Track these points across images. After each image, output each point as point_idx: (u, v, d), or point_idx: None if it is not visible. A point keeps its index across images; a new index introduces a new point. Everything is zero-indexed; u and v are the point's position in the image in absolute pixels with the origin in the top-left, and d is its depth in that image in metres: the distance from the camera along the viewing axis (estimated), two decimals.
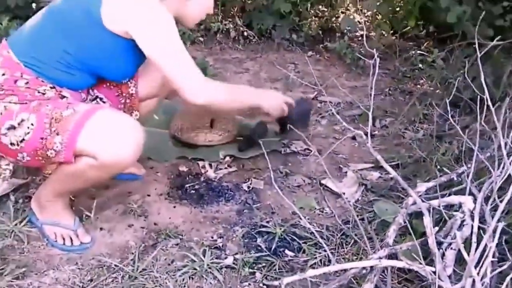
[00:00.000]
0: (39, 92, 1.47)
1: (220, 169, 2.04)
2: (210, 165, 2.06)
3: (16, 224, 1.63)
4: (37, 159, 1.45)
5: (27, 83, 1.46)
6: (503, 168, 1.45)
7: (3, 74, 1.46)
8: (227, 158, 2.09)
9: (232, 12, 3.50)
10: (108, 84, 1.70)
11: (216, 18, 3.39)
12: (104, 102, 1.70)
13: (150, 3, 1.47)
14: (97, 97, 1.69)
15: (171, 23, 1.49)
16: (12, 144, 1.44)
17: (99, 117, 1.43)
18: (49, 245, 1.59)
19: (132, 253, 1.56)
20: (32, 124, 1.43)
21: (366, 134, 2.36)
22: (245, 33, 3.35)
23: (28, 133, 1.43)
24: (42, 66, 1.47)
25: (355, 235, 1.65)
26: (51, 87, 1.49)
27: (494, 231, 1.18)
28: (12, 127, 1.43)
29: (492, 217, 1.24)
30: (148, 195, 1.86)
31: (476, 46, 1.69)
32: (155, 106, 1.92)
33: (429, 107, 2.46)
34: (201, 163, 2.07)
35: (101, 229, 1.67)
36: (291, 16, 3.43)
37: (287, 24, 3.40)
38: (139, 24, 1.45)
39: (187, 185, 1.93)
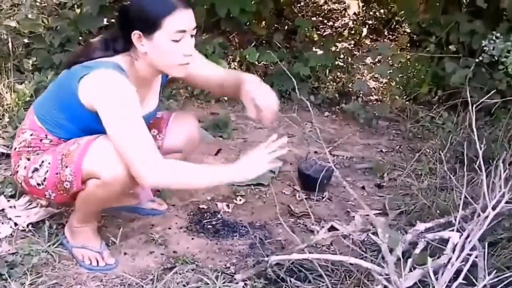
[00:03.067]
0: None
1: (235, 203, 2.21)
2: (228, 206, 2.23)
3: (49, 246, 1.81)
4: (60, 193, 1.67)
5: (51, 141, 1.72)
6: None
7: (31, 135, 1.73)
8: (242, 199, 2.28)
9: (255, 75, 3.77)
10: None
11: None
12: None
13: (112, 81, 1.57)
14: None
15: (130, 101, 1.56)
16: (38, 184, 1.68)
17: (99, 142, 1.60)
18: (77, 265, 1.76)
19: (152, 274, 1.71)
20: (49, 163, 1.65)
21: (376, 185, 2.55)
22: None
23: (47, 171, 1.66)
24: (58, 131, 1.70)
25: (357, 270, 1.77)
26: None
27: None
28: (36, 170, 1.68)
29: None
30: (169, 228, 2.03)
31: (470, 107, 1.85)
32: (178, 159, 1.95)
33: (436, 163, 2.61)
34: (219, 204, 2.24)
35: (125, 253, 1.84)
36: (310, 80, 3.68)
37: (306, 87, 3.64)
38: (99, 104, 1.56)
39: (205, 221, 2.10)
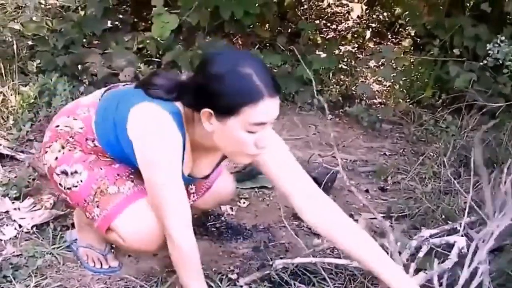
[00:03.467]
0: (100, 155, 1.59)
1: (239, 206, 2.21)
2: (231, 208, 2.23)
3: (54, 248, 1.81)
4: (74, 206, 1.67)
5: (94, 146, 1.58)
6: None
7: (81, 128, 1.57)
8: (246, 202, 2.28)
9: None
10: None
11: None
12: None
13: (158, 121, 1.40)
14: None
15: (169, 152, 1.41)
16: (60, 185, 1.61)
17: (138, 206, 1.52)
18: (82, 266, 1.76)
19: (156, 277, 1.71)
20: (81, 181, 1.56)
21: (380, 189, 2.55)
22: None
23: (76, 186, 1.57)
24: (105, 143, 1.55)
25: (361, 274, 1.77)
26: (111, 159, 1.59)
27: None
28: (65, 173, 1.58)
29: None
30: None
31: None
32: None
33: (440, 166, 2.60)
34: (222, 207, 2.24)
35: (129, 256, 1.84)
36: (314, 83, 3.68)
37: (309, 89, 3.64)
38: (137, 145, 1.43)
39: (208, 224, 2.09)
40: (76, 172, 1.57)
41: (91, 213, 1.57)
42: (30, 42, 3.34)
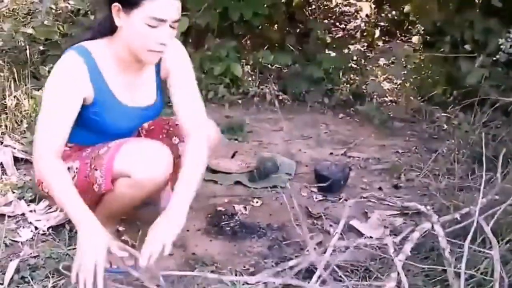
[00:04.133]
0: (80, 151, 1.72)
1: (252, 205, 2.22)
2: (245, 208, 2.23)
3: (70, 249, 1.83)
4: (87, 197, 1.60)
5: (70, 148, 1.70)
6: None
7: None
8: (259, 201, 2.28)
9: (268, 79, 3.78)
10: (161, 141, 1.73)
11: (253, 83, 3.67)
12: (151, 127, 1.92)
13: (61, 63, 1.56)
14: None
15: (61, 83, 1.54)
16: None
17: (131, 143, 1.62)
18: None
19: (172, 276, 1.72)
20: (76, 168, 1.66)
21: (393, 186, 2.54)
22: (280, 97, 3.61)
23: (74, 176, 1.64)
24: (75, 139, 1.67)
25: (377, 270, 1.77)
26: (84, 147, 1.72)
27: None
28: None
29: None
30: (187, 230, 2.03)
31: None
32: None
33: (453, 163, 2.59)
34: (236, 206, 2.24)
35: None
36: (324, 82, 3.68)
37: (319, 89, 3.64)
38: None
39: (222, 223, 2.10)
40: (69, 168, 1.65)
41: (96, 181, 1.61)
42: (41, 47, 3.37)
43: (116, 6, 1.53)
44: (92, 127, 1.68)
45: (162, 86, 1.80)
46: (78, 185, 1.61)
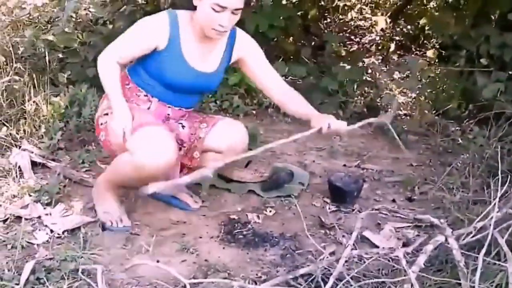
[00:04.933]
0: (136, 94, 2.07)
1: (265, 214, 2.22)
2: (258, 217, 2.24)
3: (85, 252, 1.85)
4: (107, 140, 2.01)
5: (130, 88, 2.07)
6: None
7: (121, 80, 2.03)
8: (272, 211, 2.29)
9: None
10: (192, 124, 2.16)
11: None
12: (183, 127, 2.15)
13: (154, 16, 1.97)
14: (183, 125, 2.16)
15: (144, 26, 1.96)
16: (101, 124, 2.05)
17: (145, 128, 1.88)
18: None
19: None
20: (104, 123, 2.02)
21: (407, 199, 2.53)
22: None
23: (106, 121, 2.01)
24: (135, 77, 2.07)
25: (390, 282, 1.76)
26: (144, 95, 2.06)
27: None
28: (106, 114, 2.03)
29: None
30: (200, 237, 2.05)
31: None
32: (216, 161, 2.02)
33: (468, 176, 2.57)
34: (249, 215, 2.25)
35: (157, 261, 1.86)
36: (338, 95, 3.69)
37: (334, 101, 3.65)
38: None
39: (235, 231, 2.11)
40: (102, 122, 2.03)
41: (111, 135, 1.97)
42: (60, 55, 3.43)
43: None
44: (155, 74, 2.01)
45: (226, 64, 2.14)
46: (106, 128, 2.01)
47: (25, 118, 2.71)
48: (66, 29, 3.05)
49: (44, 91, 2.88)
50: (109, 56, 1.95)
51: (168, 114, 2.11)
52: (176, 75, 2.00)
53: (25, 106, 2.76)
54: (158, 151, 1.84)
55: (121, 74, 2.05)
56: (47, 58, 3.18)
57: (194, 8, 1.95)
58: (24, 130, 2.65)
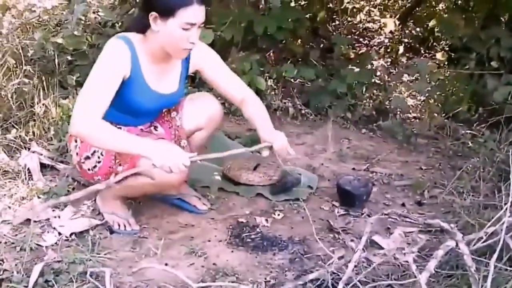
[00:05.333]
0: None
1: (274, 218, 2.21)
2: (267, 220, 2.23)
3: (93, 255, 1.85)
4: (107, 177, 1.90)
5: None
6: None
7: None
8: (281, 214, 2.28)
9: (291, 93, 3.79)
10: (163, 119, 2.17)
11: (276, 97, 3.68)
12: (156, 129, 2.14)
13: (110, 45, 1.85)
14: (155, 126, 2.16)
15: (109, 62, 1.82)
16: (89, 169, 1.99)
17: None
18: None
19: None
20: (102, 154, 1.94)
21: (417, 203, 2.51)
22: (303, 111, 3.61)
23: (99, 161, 1.95)
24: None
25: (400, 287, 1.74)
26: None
27: None
28: (88, 157, 1.97)
29: None
30: (209, 241, 2.04)
31: None
32: (203, 139, 2.22)
33: (478, 180, 2.55)
34: (257, 218, 2.24)
35: (166, 264, 1.85)
36: (347, 97, 3.68)
37: (342, 104, 3.64)
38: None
39: (244, 235, 2.10)
40: (95, 152, 1.95)
41: (117, 172, 1.89)
42: (69, 57, 3.44)
43: (153, 14, 1.82)
44: (121, 105, 1.91)
45: (186, 78, 2.13)
46: (102, 171, 1.95)
47: (34, 120, 2.72)
48: (75, 32, 3.05)
49: (53, 94, 2.89)
50: (89, 119, 1.76)
51: (141, 130, 2.11)
52: (141, 101, 1.95)
53: (34, 109, 2.77)
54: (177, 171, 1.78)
55: None
56: (56, 60, 3.19)
57: (141, 30, 1.89)
58: (33, 132, 2.66)
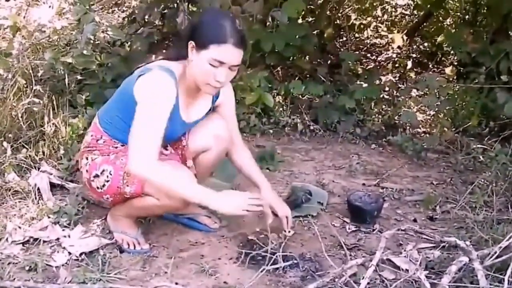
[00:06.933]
0: (113, 147, 1.99)
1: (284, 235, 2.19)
2: (277, 237, 2.21)
3: (103, 275, 1.83)
4: (117, 198, 1.97)
5: (104, 141, 2.00)
6: None
7: (91, 136, 2.03)
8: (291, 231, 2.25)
9: (300, 109, 3.79)
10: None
11: (284, 113, 3.68)
12: (167, 149, 2.07)
13: (158, 80, 1.84)
14: (165, 146, 2.06)
15: (164, 101, 1.83)
16: (98, 188, 1.98)
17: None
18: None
19: None
20: (110, 173, 1.93)
21: (429, 218, 2.48)
22: (312, 127, 3.60)
23: (108, 181, 1.94)
24: (112, 129, 1.98)
25: None
26: (121, 145, 1.98)
27: None
28: (97, 176, 1.96)
29: None
30: (219, 258, 2.03)
31: None
32: (211, 160, 2.14)
33: (491, 195, 2.52)
34: (268, 235, 2.21)
35: (176, 283, 1.84)
36: (356, 113, 3.67)
37: (351, 119, 3.63)
38: (140, 96, 1.85)
39: (254, 252, 2.07)
40: (104, 170, 1.94)
41: (126, 192, 1.92)
42: (78, 77, 3.46)
43: (191, 43, 1.86)
44: None
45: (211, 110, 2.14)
46: (111, 190, 1.95)
47: (44, 140, 2.73)
48: (85, 51, 3.07)
49: (63, 113, 2.90)
50: (150, 163, 1.79)
51: None
52: (171, 132, 1.95)
53: (44, 128, 2.78)
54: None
55: (91, 129, 2.05)
56: (66, 80, 3.21)
57: (181, 58, 1.92)
58: (43, 152, 2.67)
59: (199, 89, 1.95)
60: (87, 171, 2.00)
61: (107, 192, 1.96)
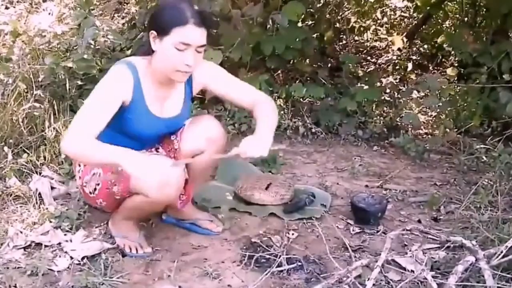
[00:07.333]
0: None
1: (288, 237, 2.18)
2: (281, 240, 2.19)
3: (106, 279, 1.82)
4: (110, 201, 1.98)
5: None
6: None
7: None
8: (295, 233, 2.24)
9: (301, 112, 3.77)
10: (163, 141, 2.13)
11: (286, 116, 3.67)
12: (158, 152, 2.12)
13: (113, 70, 1.84)
14: (157, 149, 2.14)
15: (107, 87, 1.82)
16: (90, 193, 1.99)
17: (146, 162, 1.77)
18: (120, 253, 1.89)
19: None
20: (99, 175, 1.94)
21: (433, 219, 2.46)
22: (313, 129, 3.58)
23: (98, 184, 1.95)
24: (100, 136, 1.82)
25: None
26: None
27: None
28: (88, 181, 1.97)
29: None
30: (223, 262, 2.01)
31: None
32: (204, 163, 2.09)
33: (495, 195, 2.50)
34: (272, 238, 2.20)
35: (179, 287, 1.82)
36: (357, 115, 3.66)
37: (353, 121, 3.61)
38: None
39: (258, 255, 2.06)
40: (94, 174, 1.95)
41: (117, 194, 1.91)
42: (79, 82, 3.46)
43: (152, 33, 1.82)
44: (123, 130, 1.91)
45: (191, 100, 2.10)
46: (101, 193, 1.95)
47: (45, 145, 2.72)
48: (85, 56, 3.07)
49: (64, 118, 2.89)
50: (82, 135, 1.74)
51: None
52: (142, 127, 1.93)
53: (45, 133, 2.77)
54: (168, 184, 1.79)
55: None
56: (67, 85, 3.21)
57: (147, 53, 1.88)
58: (44, 157, 2.65)
59: (170, 82, 1.91)
60: (80, 177, 2.01)
61: (99, 196, 1.97)
